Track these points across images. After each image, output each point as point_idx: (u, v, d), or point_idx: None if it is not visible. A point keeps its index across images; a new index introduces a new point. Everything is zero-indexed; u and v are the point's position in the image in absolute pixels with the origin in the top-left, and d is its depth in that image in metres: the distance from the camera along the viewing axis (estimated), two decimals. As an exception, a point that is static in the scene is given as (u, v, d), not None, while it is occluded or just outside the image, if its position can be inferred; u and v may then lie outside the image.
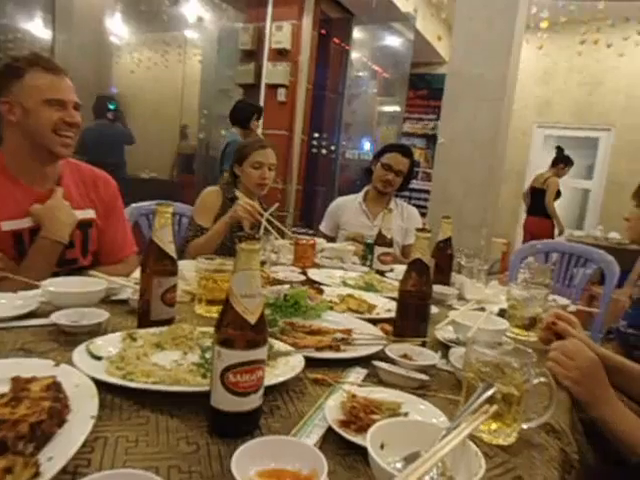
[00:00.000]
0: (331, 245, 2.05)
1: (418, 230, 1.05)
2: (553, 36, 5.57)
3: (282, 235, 1.88)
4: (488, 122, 3.61)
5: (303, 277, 1.54)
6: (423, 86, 6.77)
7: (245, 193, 2.01)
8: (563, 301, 1.46)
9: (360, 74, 6.14)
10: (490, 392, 0.67)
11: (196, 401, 0.70)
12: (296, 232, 2.04)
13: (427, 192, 6.25)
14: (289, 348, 0.91)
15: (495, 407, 0.67)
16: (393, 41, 6.13)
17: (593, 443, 1.10)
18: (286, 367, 0.83)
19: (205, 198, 2.00)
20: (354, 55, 5.57)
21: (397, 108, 6.61)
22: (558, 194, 5.23)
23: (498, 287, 1.64)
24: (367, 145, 6.26)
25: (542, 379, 0.74)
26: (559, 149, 5.34)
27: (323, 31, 4.83)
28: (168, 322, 0.98)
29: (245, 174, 1.97)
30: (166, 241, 0.98)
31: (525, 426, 0.74)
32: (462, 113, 3.67)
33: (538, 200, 5.22)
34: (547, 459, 0.70)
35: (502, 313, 1.33)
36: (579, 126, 6.20)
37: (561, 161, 5.23)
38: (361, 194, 2.44)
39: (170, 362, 0.82)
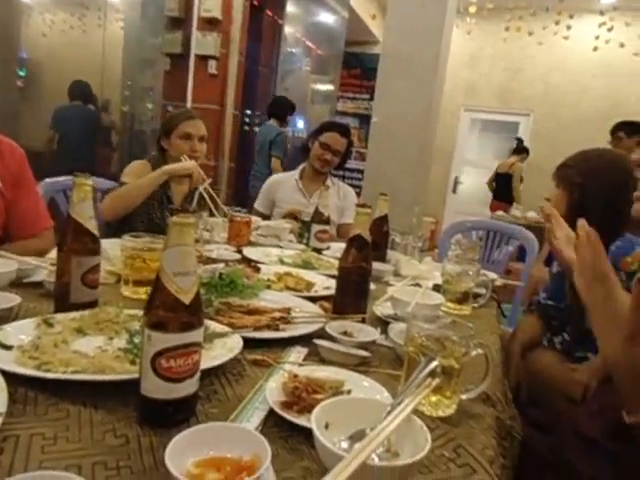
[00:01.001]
0: (267, 223, 2.00)
1: (359, 206, 1.03)
2: (480, 22, 5.76)
3: (217, 209, 1.80)
4: (420, 103, 3.68)
5: (238, 256, 1.49)
6: (357, 65, 6.77)
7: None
8: (492, 275, 1.53)
9: (293, 50, 6.02)
10: (432, 366, 0.67)
11: (124, 390, 0.64)
12: (230, 210, 1.96)
13: (361, 172, 6.32)
14: (226, 329, 0.86)
15: (437, 380, 0.67)
16: (327, 18, 6.05)
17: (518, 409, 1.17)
18: (223, 349, 0.79)
19: (134, 166, 1.86)
20: (287, 30, 5.44)
21: (331, 87, 6.58)
22: (521, 179, 5.74)
23: (432, 263, 1.68)
24: (301, 123, 6.19)
25: (479, 351, 0.76)
26: (519, 140, 5.79)
27: (255, 2, 4.65)
28: (90, 305, 0.90)
29: (173, 147, 1.85)
30: (86, 216, 0.88)
31: (464, 397, 0.76)
32: (395, 93, 3.71)
33: (502, 185, 5.71)
34: (485, 427, 0.71)
35: (436, 288, 1.36)
36: (502, 110, 6.52)
37: (523, 150, 5.69)
38: (297, 172, 2.39)
39: (93, 349, 0.74)
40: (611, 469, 0.85)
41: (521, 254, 2.78)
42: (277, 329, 0.93)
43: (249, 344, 0.83)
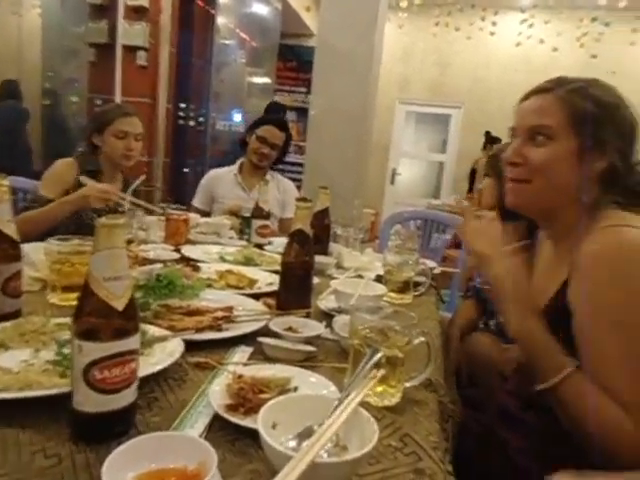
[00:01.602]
0: (206, 220, 1.95)
1: (299, 200, 1.02)
2: (412, 17, 5.89)
3: (150, 212, 1.73)
4: (357, 96, 3.72)
5: (177, 255, 1.44)
6: (293, 58, 6.72)
7: (108, 166, 1.80)
8: (431, 264, 1.58)
9: (227, 42, 5.88)
10: (377, 357, 0.68)
11: (54, 406, 0.59)
12: (167, 207, 1.89)
13: (300, 165, 6.31)
14: (165, 332, 0.83)
15: (382, 371, 0.68)
16: (260, 9, 5.95)
17: (458, 390, 1.22)
18: (163, 354, 0.76)
19: (56, 168, 1.74)
20: (220, 20, 5.29)
21: (267, 80, 6.50)
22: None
23: (373, 254, 1.71)
24: (238, 116, 6.07)
25: (422, 339, 0.77)
26: (487, 133, 5.73)
27: (186, -9, 4.49)
28: (13, 316, 0.83)
29: (107, 144, 1.75)
30: (4, 220, 0.82)
31: (408, 385, 0.77)
32: (332, 86, 3.73)
33: (473, 180, 5.72)
34: (428, 413, 0.73)
35: (378, 279, 1.38)
36: (434, 103, 6.73)
37: (490, 142, 5.59)
38: (236, 166, 2.34)
39: (18, 363, 0.69)
40: (531, 439, 0.91)
41: (457, 241, 2.90)
42: (220, 329, 0.90)
43: (191, 347, 0.80)
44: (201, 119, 5.07)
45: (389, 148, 6.90)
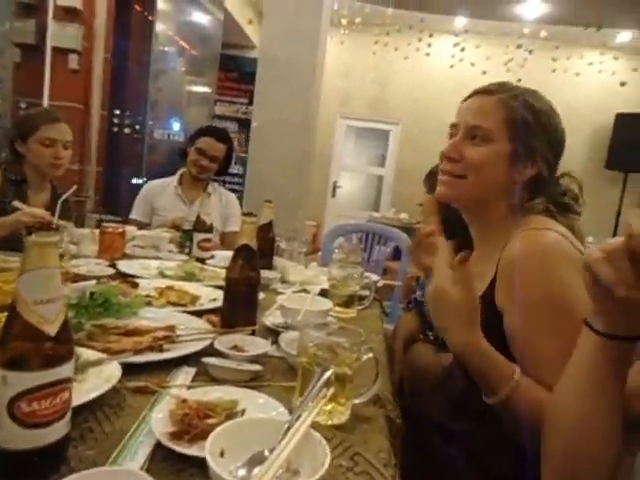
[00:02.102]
0: (143, 232, 1.86)
1: (244, 215, 1.00)
2: (352, 34, 6.05)
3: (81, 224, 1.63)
4: (299, 109, 3.75)
5: (112, 270, 1.36)
6: (234, 69, 6.67)
7: (35, 175, 1.68)
8: (374, 277, 1.60)
9: (166, 49, 5.73)
10: (327, 375, 0.67)
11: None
12: (102, 220, 1.79)
13: (241, 176, 6.24)
14: (101, 355, 0.78)
15: (332, 390, 0.67)
16: (201, 18, 5.86)
17: (401, 402, 1.23)
18: (99, 379, 0.71)
19: None
20: (159, 27, 5.16)
21: (208, 89, 6.39)
22: None
23: (318, 268, 1.71)
24: (176, 125, 5.91)
25: (370, 355, 0.78)
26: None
27: (122, -5, 4.34)
28: None
29: (33, 153, 1.64)
30: None
31: (357, 401, 0.77)
32: (275, 99, 3.73)
33: None
34: (378, 430, 0.73)
35: (323, 293, 1.38)
36: (374, 119, 6.92)
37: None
38: (175, 177, 2.27)
39: None
40: (460, 449, 0.94)
41: (397, 254, 2.97)
42: (161, 350, 0.86)
43: (129, 370, 0.76)
44: (137, 127, 4.89)
45: (330, 161, 7.00)
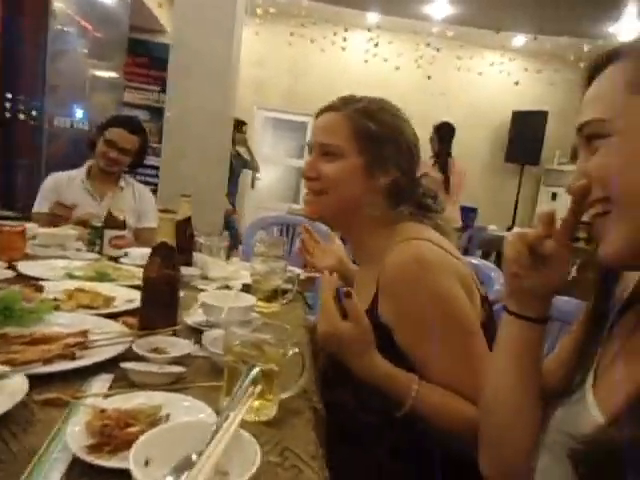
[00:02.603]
0: (47, 230, 1.72)
1: (161, 211, 0.96)
2: (268, 25, 5.99)
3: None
4: (216, 99, 3.65)
5: (12, 273, 1.25)
6: (145, 53, 6.30)
7: None
8: (297, 270, 1.61)
9: (66, 29, 5.28)
10: (254, 373, 0.67)
11: None
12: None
13: (155, 168, 5.95)
14: (4, 369, 0.71)
15: (260, 387, 0.67)
16: (106, -3, 5.47)
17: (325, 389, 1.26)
18: (2, 395, 0.64)
19: None
20: (57, 5, 4.73)
21: (115, 74, 5.99)
22: None
23: (239, 263, 1.68)
24: (80, 112, 5.48)
25: (296, 350, 0.78)
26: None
27: (11, -34, 3.92)
28: None
29: None
30: None
31: (284, 396, 0.78)
32: (189, 88, 3.60)
33: None
34: (305, 423, 0.75)
35: (246, 288, 1.37)
36: (291, 111, 6.92)
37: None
38: (83, 170, 2.11)
39: None
40: (378, 436, 0.99)
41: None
42: (73, 358, 0.80)
43: (38, 382, 0.70)
44: (34, 113, 4.46)
45: (248, 152, 6.90)
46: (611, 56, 0.57)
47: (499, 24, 5.71)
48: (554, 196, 6.81)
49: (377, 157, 0.97)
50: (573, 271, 0.68)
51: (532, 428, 0.67)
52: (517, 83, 6.50)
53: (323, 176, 0.98)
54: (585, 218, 0.61)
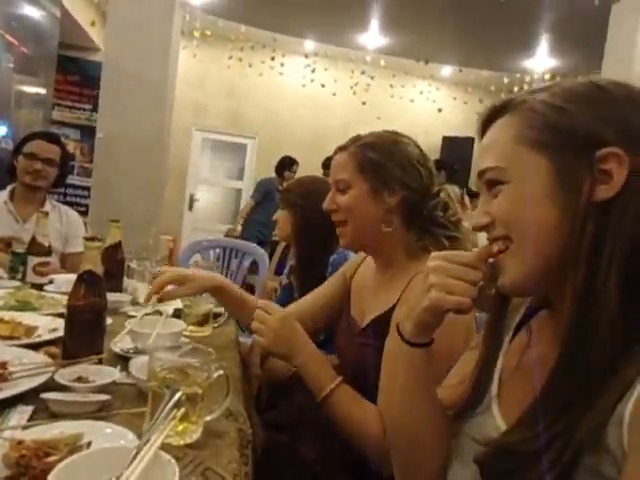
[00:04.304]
0: (-37, 257, 1.63)
1: (87, 239, 0.96)
2: (206, 47, 6.01)
3: None
4: (151, 121, 3.62)
5: None
6: (76, 71, 6.11)
7: None
8: (229, 294, 1.63)
9: (-11, 42, 5.02)
10: (177, 397, 0.69)
11: None
12: None
13: (85, 189, 5.73)
14: None
15: (182, 410, 0.69)
16: (33, 12, 5.28)
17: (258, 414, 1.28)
18: None
19: None
20: (-21, 18, 4.51)
21: (43, 90, 5.75)
22: None
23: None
24: (3, 129, 5.20)
25: (221, 372, 0.82)
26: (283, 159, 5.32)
27: None
28: None
29: None
30: None
31: (209, 418, 0.80)
32: (123, 109, 3.55)
33: None
34: (229, 443, 0.77)
35: (177, 313, 1.37)
36: (231, 132, 6.94)
37: (284, 167, 5.22)
38: (5, 192, 2.03)
39: None
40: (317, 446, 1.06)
41: (254, 268, 3.03)
42: (-10, 390, 0.79)
43: (-50, 417, 0.68)
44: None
45: (186, 174, 6.82)
46: (501, 109, 0.65)
47: (427, 56, 6.09)
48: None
49: (380, 180, 1.07)
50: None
51: (438, 440, 0.70)
52: (443, 110, 6.92)
53: (340, 207, 1.11)
54: None
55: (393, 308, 1.04)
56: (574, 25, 4.63)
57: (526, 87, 6.23)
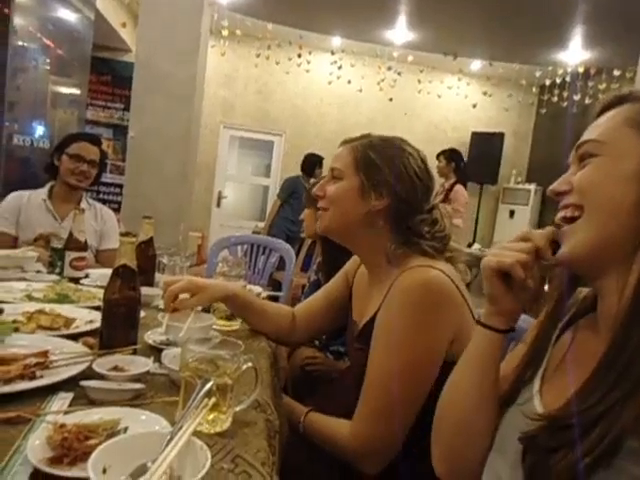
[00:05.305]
0: (6, 252, 1.71)
1: (122, 235, 1.01)
2: (234, 45, 6.08)
3: None
4: (180, 119, 3.70)
5: (-30, 296, 1.25)
6: (108, 72, 6.28)
7: None
8: (257, 289, 1.66)
9: (27, 45, 5.22)
10: (208, 386, 0.72)
11: None
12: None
13: (118, 186, 5.90)
14: (-37, 389, 0.74)
15: (213, 400, 0.72)
16: (69, 16, 5.45)
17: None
18: (-37, 414, 0.67)
19: None
20: (18, 22, 4.69)
21: (77, 91, 5.94)
22: None
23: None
24: (41, 129, 5.39)
25: (249, 364, 0.84)
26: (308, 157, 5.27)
27: (-29, -16, 3.88)
28: None
29: None
30: None
31: (238, 408, 0.83)
32: (153, 108, 3.64)
33: None
34: (257, 432, 0.80)
35: (207, 308, 1.40)
36: (258, 130, 7.01)
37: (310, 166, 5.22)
38: (44, 190, 2.11)
39: None
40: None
41: (282, 264, 3.07)
42: (33, 377, 0.83)
43: (-2, 401, 0.73)
44: (-9, 130, 4.36)
45: (214, 171, 6.93)
46: (624, 98, 0.67)
47: (456, 50, 6.00)
48: (512, 213, 7.11)
49: (371, 181, 1.08)
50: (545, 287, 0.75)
51: (486, 430, 0.71)
52: (474, 106, 6.81)
53: (326, 194, 1.12)
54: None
55: (375, 316, 1.04)
56: (610, 16, 4.48)
57: (559, 81, 6.10)
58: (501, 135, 6.92)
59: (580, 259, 0.64)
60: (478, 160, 6.86)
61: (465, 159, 7.00)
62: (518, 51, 5.90)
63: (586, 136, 0.67)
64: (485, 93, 6.83)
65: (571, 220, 0.64)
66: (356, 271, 1.27)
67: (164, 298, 1.17)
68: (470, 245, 6.32)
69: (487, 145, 6.93)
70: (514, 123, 7.24)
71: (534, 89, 6.77)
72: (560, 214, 0.66)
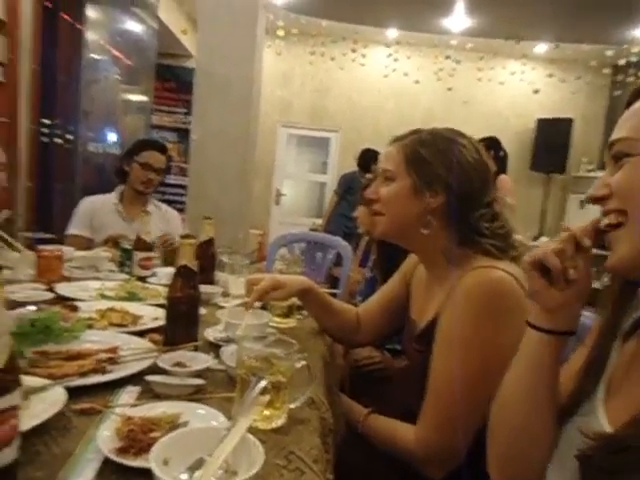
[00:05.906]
0: (82, 253, 1.85)
1: (183, 237, 1.06)
2: (289, 44, 6.16)
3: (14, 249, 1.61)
4: (238, 121, 3.80)
5: (50, 294, 1.36)
6: (171, 78, 6.58)
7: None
8: (313, 287, 1.68)
9: (98, 57, 5.58)
10: (262, 384, 0.74)
11: None
12: (32, 239, 1.76)
13: (182, 187, 6.16)
14: (44, 381, 0.80)
15: (267, 397, 0.74)
16: (135, 27, 5.76)
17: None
18: (44, 404, 0.74)
19: None
20: (90, 36, 5.02)
21: (144, 98, 6.27)
22: None
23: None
24: (113, 136, 5.75)
25: (303, 362, 0.85)
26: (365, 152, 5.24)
27: (48, 4, 4.19)
28: None
29: None
30: None
31: (292, 405, 0.84)
32: (213, 111, 3.76)
33: None
34: (311, 430, 0.81)
35: (264, 305, 1.44)
36: (314, 127, 7.06)
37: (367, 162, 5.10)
38: (115, 195, 2.26)
39: None
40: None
41: (339, 260, 3.08)
42: (104, 372, 0.89)
43: (74, 393, 0.79)
44: (70, 137, 4.71)
45: (273, 169, 7.06)
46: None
47: (519, 34, 5.71)
48: (583, 204, 6.68)
49: (424, 178, 1.04)
50: (598, 283, 0.71)
51: (544, 439, 0.68)
52: (539, 91, 6.45)
53: (380, 198, 1.10)
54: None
55: (437, 318, 1.02)
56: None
57: (634, 59, 5.64)
58: (569, 121, 6.50)
59: (629, 265, 0.60)
60: (545, 148, 6.50)
61: (530, 147, 6.70)
62: (587, 30, 5.51)
63: (617, 134, 0.61)
64: (551, 75, 6.45)
65: (617, 226, 0.60)
66: (414, 269, 1.25)
67: (248, 296, 1.21)
68: (536, 238, 6.02)
69: (554, 132, 6.54)
70: (582, 107, 6.78)
71: (605, 70, 6.30)
72: (604, 221, 0.61)
